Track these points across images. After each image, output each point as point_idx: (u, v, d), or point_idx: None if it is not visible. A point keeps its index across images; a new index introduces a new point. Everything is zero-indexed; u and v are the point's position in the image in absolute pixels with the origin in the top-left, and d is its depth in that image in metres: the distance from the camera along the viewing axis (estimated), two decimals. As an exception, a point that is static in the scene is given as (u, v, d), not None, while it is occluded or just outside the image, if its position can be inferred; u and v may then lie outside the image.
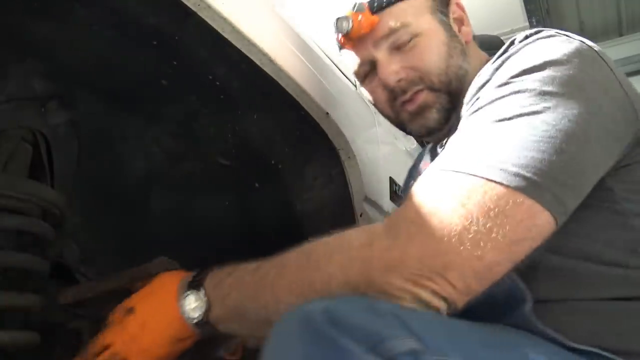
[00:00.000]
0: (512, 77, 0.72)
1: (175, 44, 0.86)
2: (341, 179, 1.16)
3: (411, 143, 1.69)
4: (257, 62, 0.89)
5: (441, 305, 0.64)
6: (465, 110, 0.78)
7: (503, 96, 0.71)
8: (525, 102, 0.68)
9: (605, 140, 0.69)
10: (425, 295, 0.63)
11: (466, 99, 0.80)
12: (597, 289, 0.70)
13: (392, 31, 0.91)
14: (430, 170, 0.71)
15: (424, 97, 0.92)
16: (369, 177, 1.20)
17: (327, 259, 0.68)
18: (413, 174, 1.17)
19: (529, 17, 3.53)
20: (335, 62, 1.22)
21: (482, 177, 0.64)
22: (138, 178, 1.14)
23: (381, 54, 0.93)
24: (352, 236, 0.69)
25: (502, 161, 0.64)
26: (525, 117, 0.67)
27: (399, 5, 0.91)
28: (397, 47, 0.92)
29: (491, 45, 0.98)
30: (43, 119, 0.94)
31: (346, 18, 0.92)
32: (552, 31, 0.78)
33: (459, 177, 0.66)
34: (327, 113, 1.05)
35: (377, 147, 1.02)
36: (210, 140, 1.12)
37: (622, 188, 0.72)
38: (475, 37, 1.01)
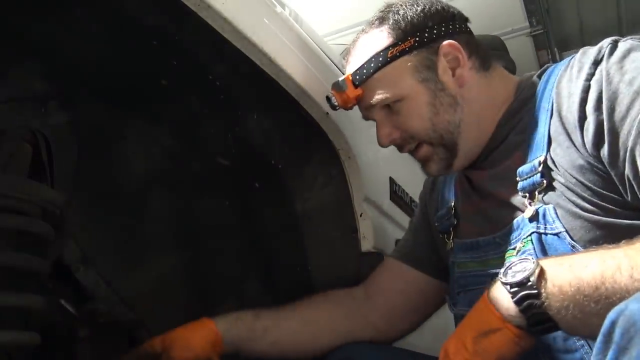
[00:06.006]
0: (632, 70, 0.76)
1: (175, 44, 0.86)
2: (341, 179, 1.16)
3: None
4: (257, 62, 0.89)
5: None
6: (592, 123, 0.78)
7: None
8: None
9: None
10: None
11: (565, 116, 0.82)
12: None
13: (376, 101, 0.95)
14: None
15: (424, 150, 0.97)
16: (369, 177, 1.20)
17: None
18: (443, 191, 1.10)
19: (529, 17, 3.53)
20: (335, 61, 1.21)
21: None
22: (138, 178, 1.14)
23: (377, 116, 0.98)
24: None
25: None
26: None
27: (379, 74, 0.94)
28: (388, 108, 0.96)
29: (491, 46, 0.97)
30: (43, 119, 0.94)
31: (330, 99, 0.99)
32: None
33: None
34: (327, 113, 1.05)
35: (377, 147, 1.02)
36: (210, 140, 1.12)
37: None
38: (485, 65, 0.97)
